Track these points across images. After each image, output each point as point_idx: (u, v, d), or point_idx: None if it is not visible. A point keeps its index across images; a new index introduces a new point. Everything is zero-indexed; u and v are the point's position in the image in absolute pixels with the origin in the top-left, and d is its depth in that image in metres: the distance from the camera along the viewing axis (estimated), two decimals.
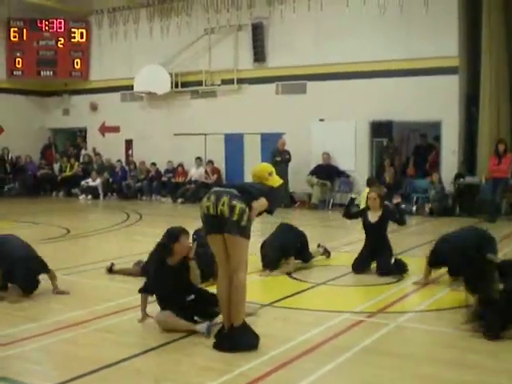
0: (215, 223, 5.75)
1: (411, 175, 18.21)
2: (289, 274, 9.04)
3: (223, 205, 5.67)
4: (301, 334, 6.20)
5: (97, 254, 11.26)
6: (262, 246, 9.35)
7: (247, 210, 5.71)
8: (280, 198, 6.57)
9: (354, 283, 8.77)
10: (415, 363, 5.48)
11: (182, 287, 6.49)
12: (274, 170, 6.37)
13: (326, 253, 10.23)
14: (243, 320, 5.81)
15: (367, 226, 9.32)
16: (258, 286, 8.32)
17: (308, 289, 8.37)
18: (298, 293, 8.13)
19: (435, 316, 7.06)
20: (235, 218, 5.64)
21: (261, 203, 5.88)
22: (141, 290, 6.75)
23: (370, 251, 9.19)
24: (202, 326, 6.21)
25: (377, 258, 9.10)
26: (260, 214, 6.04)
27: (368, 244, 9.31)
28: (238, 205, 5.66)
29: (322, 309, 7.24)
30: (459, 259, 7.70)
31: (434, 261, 8.25)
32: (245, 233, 5.72)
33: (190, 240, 7.15)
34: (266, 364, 5.38)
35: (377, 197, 9.19)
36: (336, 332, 6.31)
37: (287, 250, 9.26)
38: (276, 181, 6.29)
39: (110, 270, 9.14)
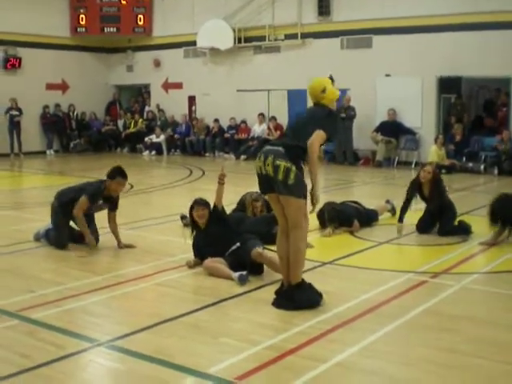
0: (267, 183, 5.65)
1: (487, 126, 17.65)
2: (351, 232, 8.90)
3: (268, 165, 5.54)
4: (362, 293, 6.09)
5: (159, 209, 11.34)
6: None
7: (293, 167, 5.50)
8: (336, 122, 6.22)
9: (418, 243, 8.57)
10: (478, 326, 5.30)
11: (220, 244, 6.81)
12: (326, 85, 5.89)
13: (393, 210, 10.04)
14: (302, 278, 5.72)
15: (423, 198, 9.04)
16: (320, 244, 8.21)
17: (371, 247, 8.22)
18: (360, 251, 8.00)
19: (503, 278, 6.82)
20: (280, 177, 5.48)
21: (317, 138, 5.59)
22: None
23: (432, 213, 8.95)
24: (236, 275, 6.37)
25: (439, 219, 8.85)
26: (322, 144, 5.76)
27: (430, 208, 9.07)
28: (283, 164, 5.48)
29: (385, 268, 7.10)
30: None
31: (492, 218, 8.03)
32: (295, 192, 5.54)
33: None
34: (325, 322, 5.30)
35: (431, 171, 8.86)
36: (398, 292, 6.17)
37: (344, 215, 9.06)
38: (330, 96, 5.87)
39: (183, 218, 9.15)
